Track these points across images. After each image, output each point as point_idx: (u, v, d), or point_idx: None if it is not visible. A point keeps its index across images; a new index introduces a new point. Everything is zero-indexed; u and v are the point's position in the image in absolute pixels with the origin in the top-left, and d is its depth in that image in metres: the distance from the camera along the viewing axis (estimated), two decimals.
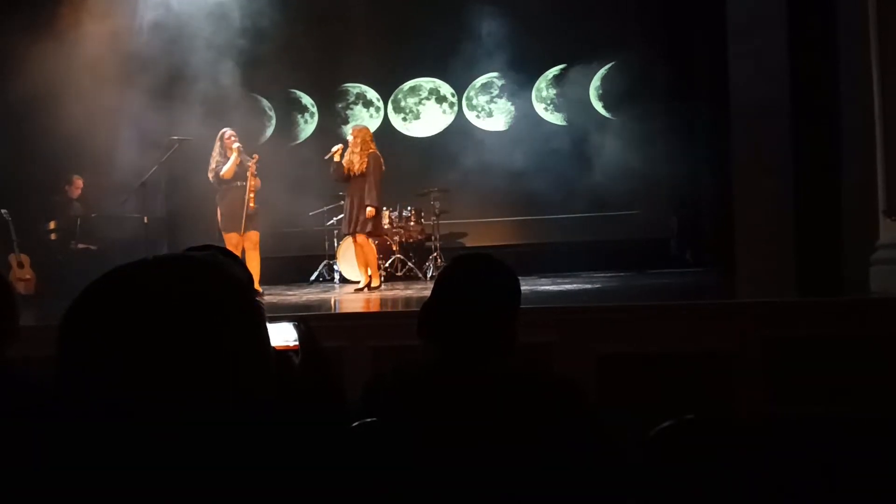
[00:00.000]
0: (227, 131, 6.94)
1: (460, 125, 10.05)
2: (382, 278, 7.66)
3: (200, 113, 7.60)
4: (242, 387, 0.77)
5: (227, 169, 6.80)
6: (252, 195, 6.81)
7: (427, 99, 10.17)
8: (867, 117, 4.90)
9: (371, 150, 7.05)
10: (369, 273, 7.24)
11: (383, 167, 7.13)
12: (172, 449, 0.72)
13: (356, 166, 6.97)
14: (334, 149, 7.09)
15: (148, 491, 0.71)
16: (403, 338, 2.94)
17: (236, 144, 6.83)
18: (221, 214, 6.90)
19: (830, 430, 1.37)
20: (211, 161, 6.89)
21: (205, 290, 0.77)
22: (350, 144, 7.07)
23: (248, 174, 6.79)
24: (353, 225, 7.06)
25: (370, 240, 7.25)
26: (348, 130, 7.60)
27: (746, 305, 4.61)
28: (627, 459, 1.54)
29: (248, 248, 6.85)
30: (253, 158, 6.87)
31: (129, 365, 0.72)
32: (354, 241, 7.20)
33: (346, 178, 7.08)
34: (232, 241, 6.74)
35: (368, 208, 6.96)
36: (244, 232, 6.79)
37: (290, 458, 0.87)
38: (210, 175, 6.89)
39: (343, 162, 7.03)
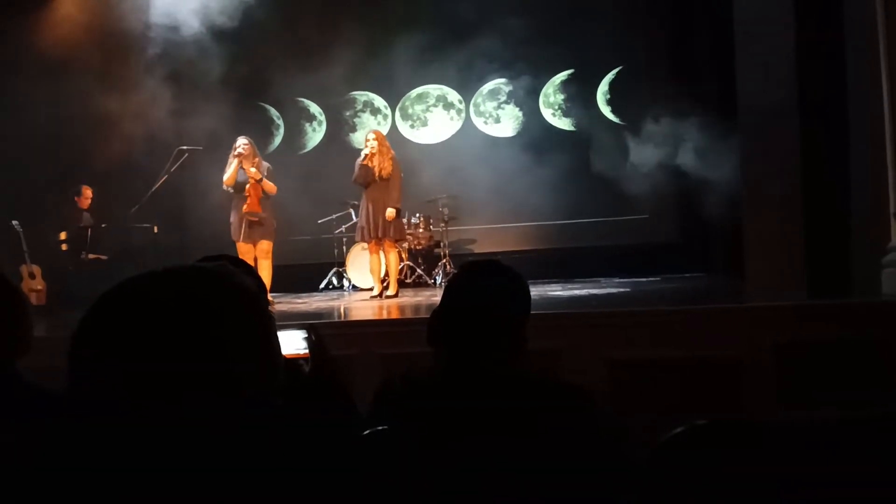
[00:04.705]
0: (238, 140, 6.87)
1: (468, 132, 10.04)
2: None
3: (209, 122, 7.63)
4: (253, 395, 0.77)
5: (226, 177, 6.80)
6: (250, 198, 6.68)
7: (434, 106, 10.18)
8: (877, 120, 4.88)
9: (392, 154, 7.03)
10: (384, 281, 7.20)
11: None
12: (183, 458, 0.72)
13: (384, 170, 6.88)
14: (367, 151, 6.91)
15: (159, 499, 0.72)
16: (413, 345, 2.94)
17: (236, 151, 6.76)
18: (231, 223, 6.91)
19: (843, 434, 1.36)
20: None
21: (215, 300, 0.78)
22: (377, 148, 6.90)
23: (249, 177, 6.70)
24: (377, 230, 6.91)
25: (396, 247, 7.19)
26: (358, 138, 7.56)
27: (757, 309, 4.58)
28: (638, 465, 1.54)
29: (259, 256, 6.81)
30: (254, 162, 6.77)
31: (140, 375, 0.72)
32: (379, 247, 7.06)
33: (370, 182, 6.94)
34: (241, 250, 6.72)
35: (390, 210, 6.88)
36: (243, 240, 6.72)
37: (300, 466, 0.88)
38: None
39: (372, 166, 6.88)
